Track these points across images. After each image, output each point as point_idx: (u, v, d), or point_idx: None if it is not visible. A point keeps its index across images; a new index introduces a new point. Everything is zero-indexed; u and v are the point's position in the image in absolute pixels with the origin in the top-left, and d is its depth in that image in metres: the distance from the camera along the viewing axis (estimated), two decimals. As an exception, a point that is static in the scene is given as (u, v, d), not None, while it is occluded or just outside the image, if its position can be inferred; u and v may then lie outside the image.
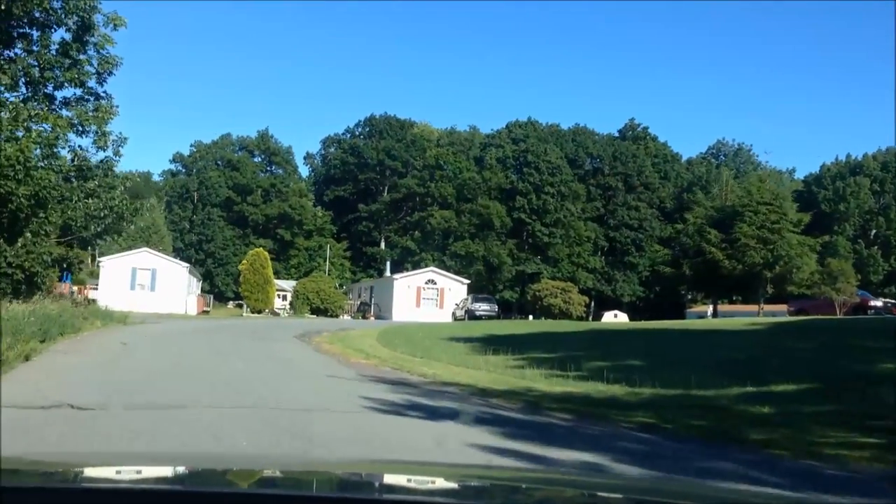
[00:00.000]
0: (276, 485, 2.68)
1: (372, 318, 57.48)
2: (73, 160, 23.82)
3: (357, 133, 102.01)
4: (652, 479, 6.30)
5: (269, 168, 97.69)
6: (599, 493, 2.87)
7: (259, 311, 52.24)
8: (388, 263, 68.17)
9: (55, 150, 21.72)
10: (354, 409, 10.66)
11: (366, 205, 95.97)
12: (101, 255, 53.24)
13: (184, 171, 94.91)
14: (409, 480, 3.01)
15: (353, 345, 23.86)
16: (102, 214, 22.61)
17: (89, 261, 60.59)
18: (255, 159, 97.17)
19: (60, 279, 57.52)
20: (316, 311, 58.73)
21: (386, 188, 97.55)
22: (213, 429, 8.60)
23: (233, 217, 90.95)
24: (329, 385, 13.89)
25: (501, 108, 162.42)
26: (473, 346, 23.02)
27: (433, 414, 10.59)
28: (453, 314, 54.70)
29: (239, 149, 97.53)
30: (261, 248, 54.06)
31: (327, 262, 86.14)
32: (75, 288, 56.85)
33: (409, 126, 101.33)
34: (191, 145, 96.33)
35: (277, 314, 56.66)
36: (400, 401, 11.71)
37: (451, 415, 10.41)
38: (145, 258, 52.91)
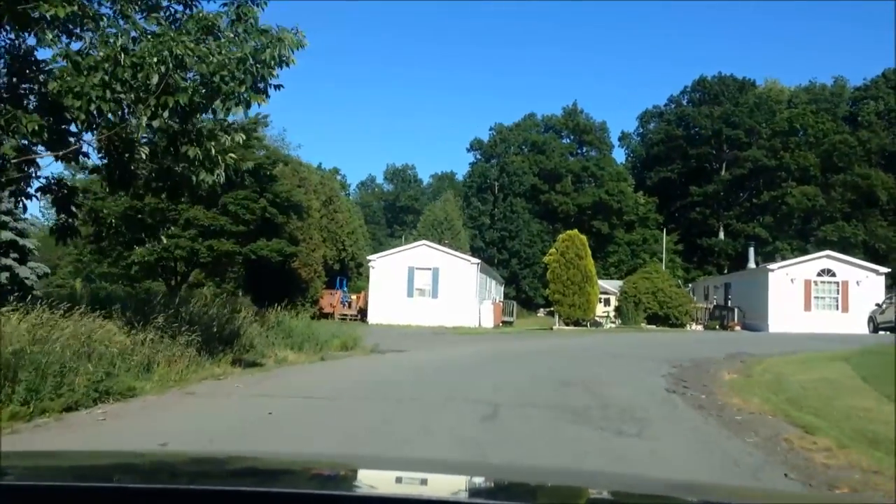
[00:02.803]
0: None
1: (737, 328, 39.96)
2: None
3: (684, 102, 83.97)
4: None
5: (579, 150, 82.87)
6: None
7: (576, 322, 36.96)
8: (750, 251, 49.63)
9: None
10: None
11: (699, 187, 77.92)
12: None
13: (482, 159, 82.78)
14: None
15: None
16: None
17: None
18: (564, 140, 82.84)
19: (330, 285, 46.73)
20: (652, 320, 42.51)
21: (724, 164, 78.87)
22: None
23: (539, 209, 77.44)
24: None
25: (874, 52, 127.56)
26: None
27: None
28: (871, 321, 35.56)
29: (545, 129, 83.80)
30: (575, 231, 38.77)
31: (664, 255, 69.38)
32: (353, 297, 45.79)
33: (751, 86, 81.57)
34: (490, 129, 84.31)
35: (599, 324, 41.18)
36: None
37: None
38: (424, 254, 40.17)
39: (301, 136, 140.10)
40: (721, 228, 78.78)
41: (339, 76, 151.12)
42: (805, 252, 58.30)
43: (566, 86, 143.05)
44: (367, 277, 44.12)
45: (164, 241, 30.85)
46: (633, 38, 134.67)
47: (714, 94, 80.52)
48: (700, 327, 42.66)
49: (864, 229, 68.75)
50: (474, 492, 2.43)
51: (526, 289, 72.05)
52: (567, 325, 37.08)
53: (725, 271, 69.98)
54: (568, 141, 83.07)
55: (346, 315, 43.35)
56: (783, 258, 59.00)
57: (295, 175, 41.09)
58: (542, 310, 70.20)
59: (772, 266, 40.55)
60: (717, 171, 79.57)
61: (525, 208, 75.25)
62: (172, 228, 31.67)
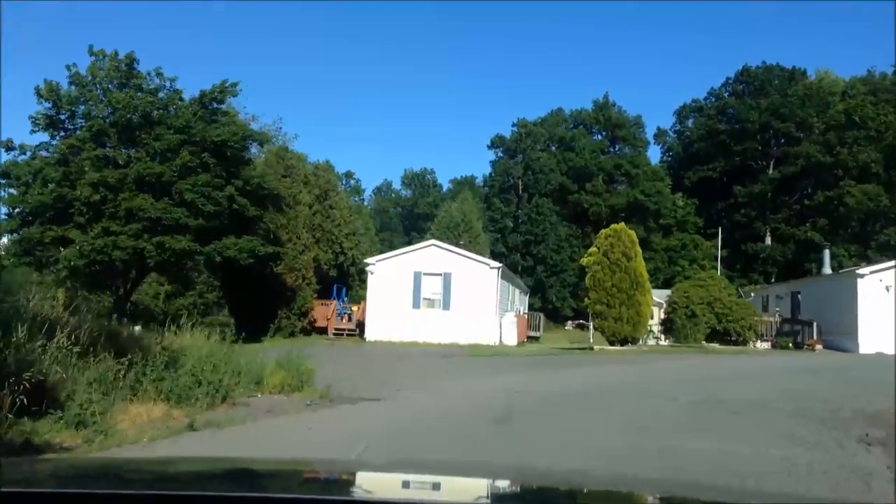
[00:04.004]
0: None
1: (818, 347, 32.69)
2: None
3: (726, 94, 76.67)
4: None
5: (611, 147, 75.69)
6: None
7: (625, 340, 29.64)
8: (825, 254, 41.89)
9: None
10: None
11: (744, 187, 70.61)
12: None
13: (505, 156, 75.51)
14: None
15: None
16: None
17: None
18: (595, 137, 75.73)
19: (325, 295, 39.80)
20: (710, 336, 35.42)
21: (772, 162, 71.52)
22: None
23: (568, 211, 70.39)
24: None
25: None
26: None
27: None
28: None
29: (573, 125, 76.69)
30: (622, 225, 31.70)
31: (718, 261, 62.04)
32: (354, 308, 38.90)
33: (801, 76, 74.07)
34: (513, 125, 77.24)
35: (637, 340, 33.83)
36: None
37: None
38: (434, 256, 33.27)
39: (313, 139, 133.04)
40: (768, 233, 71.38)
41: (351, 75, 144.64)
42: (866, 258, 50.99)
43: (593, 81, 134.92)
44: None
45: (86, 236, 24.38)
46: (667, 29, 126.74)
47: (760, 84, 73.27)
48: (767, 345, 35.48)
49: (935, 232, 61.20)
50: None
51: (553, 299, 64.90)
52: (612, 343, 29.81)
53: (773, 280, 62.74)
54: (599, 137, 75.94)
55: (342, 330, 36.61)
56: (840, 265, 51.59)
57: (279, 162, 34.38)
58: (569, 322, 63.23)
59: (861, 271, 33.15)
60: (765, 169, 72.12)
61: (552, 210, 67.93)
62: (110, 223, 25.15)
